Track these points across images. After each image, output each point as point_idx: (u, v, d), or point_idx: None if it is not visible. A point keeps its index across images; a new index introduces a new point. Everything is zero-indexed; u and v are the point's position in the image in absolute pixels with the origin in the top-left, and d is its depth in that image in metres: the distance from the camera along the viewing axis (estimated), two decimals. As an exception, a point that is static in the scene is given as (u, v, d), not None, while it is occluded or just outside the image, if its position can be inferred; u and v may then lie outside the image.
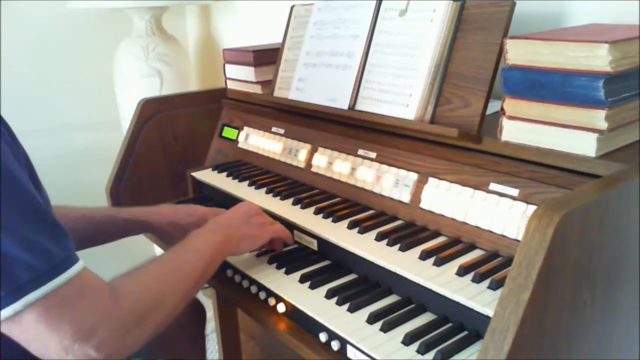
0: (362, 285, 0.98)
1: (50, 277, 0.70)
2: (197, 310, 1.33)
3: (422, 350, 0.79)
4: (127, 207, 1.22)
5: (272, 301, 1.01)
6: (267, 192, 1.26)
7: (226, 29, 2.31)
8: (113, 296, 0.76)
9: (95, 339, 0.72)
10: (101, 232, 1.16)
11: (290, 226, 1.13)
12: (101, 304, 0.74)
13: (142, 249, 2.07)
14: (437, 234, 1.00)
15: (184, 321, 1.21)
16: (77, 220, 1.12)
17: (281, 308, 0.98)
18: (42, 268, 0.69)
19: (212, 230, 0.99)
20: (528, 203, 0.89)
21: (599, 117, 0.82)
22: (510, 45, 0.90)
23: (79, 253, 0.77)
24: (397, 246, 0.97)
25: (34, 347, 0.71)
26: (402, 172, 1.09)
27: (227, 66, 1.60)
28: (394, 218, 1.08)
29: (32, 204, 0.72)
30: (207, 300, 2.20)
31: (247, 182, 1.34)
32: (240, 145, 1.52)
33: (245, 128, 1.52)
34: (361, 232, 1.03)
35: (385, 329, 0.85)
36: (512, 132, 0.93)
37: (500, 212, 0.92)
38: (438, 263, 0.90)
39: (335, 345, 0.87)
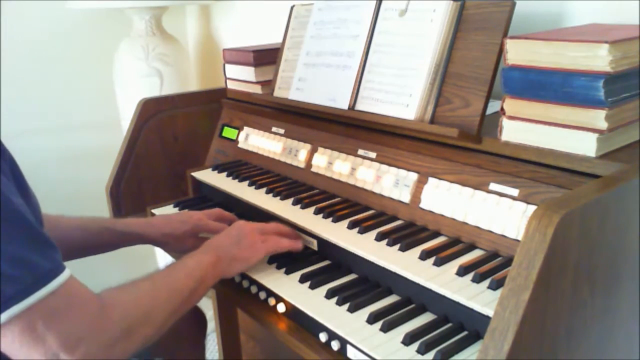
0: (362, 285, 0.98)
1: (35, 289, 0.69)
2: (197, 317, 1.33)
3: (422, 350, 0.79)
4: (123, 219, 1.22)
5: (272, 301, 1.01)
6: (267, 192, 1.26)
7: (226, 29, 2.31)
8: (101, 308, 0.76)
9: (82, 350, 0.71)
10: (96, 243, 1.16)
11: (290, 226, 1.13)
12: (88, 315, 0.74)
13: (143, 251, 2.07)
14: (437, 234, 1.00)
15: (183, 327, 1.20)
16: (72, 230, 1.12)
17: (281, 308, 0.98)
18: (27, 280, 0.69)
19: (204, 251, 1.00)
20: (528, 203, 0.89)
21: (599, 117, 0.82)
22: (510, 45, 0.90)
23: (76, 261, 0.77)
24: (397, 246, 0.97)
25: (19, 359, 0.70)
26: (402, 172, 1.09)
27: (227, 66, 1.60)
28: (394, 218, 1.08)
29: (17, 218, 0.71)
30: (207, 300, 2.20)
31: (247, 182, 1.34)
32: (240, 145, 1.51)
33: (245, 128, 1.52)
34: (361, 232, 1.03)
35: (385, 329, 0.85)
36: (512, 132, 0.93)
37: (500, 212, 0.92)
38: (438, 263, 0.90)
39: (335, 345, 0.87)
